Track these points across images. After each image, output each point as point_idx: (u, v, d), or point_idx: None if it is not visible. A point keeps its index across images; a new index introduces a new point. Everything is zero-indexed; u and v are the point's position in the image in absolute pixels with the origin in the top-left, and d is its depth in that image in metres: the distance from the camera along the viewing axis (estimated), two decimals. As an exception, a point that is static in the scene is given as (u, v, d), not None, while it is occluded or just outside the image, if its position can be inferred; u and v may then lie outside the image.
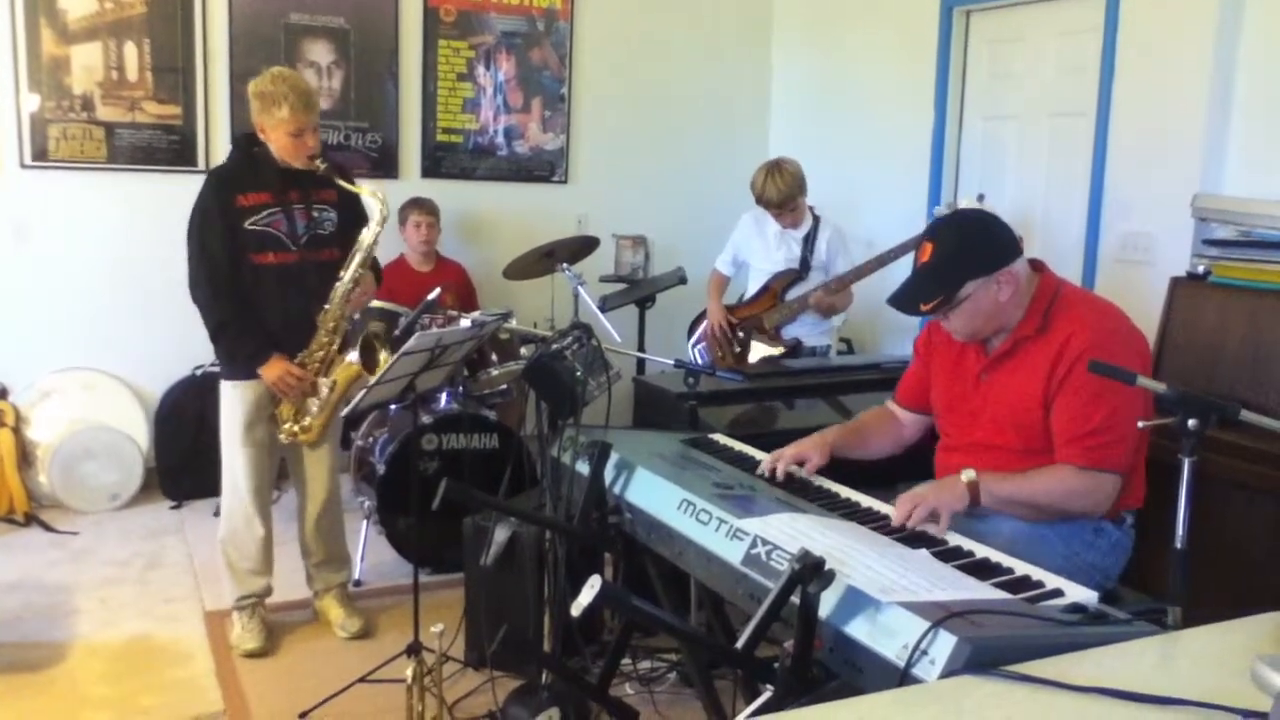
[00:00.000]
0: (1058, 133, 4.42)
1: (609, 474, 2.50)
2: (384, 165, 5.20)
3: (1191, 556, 1.82)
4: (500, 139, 5.47)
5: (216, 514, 4.34)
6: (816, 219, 4.32)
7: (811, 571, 1.64)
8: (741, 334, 4.38)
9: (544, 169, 5.59)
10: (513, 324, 3.96)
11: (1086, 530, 2.35)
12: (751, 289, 4.44)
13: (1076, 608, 1.75)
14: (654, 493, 2.35)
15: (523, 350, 4.19)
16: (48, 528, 4.41)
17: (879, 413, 2.77)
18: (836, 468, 2.55)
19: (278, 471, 3.57)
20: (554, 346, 2.64)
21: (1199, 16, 3.71)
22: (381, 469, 3.89)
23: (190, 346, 4.39)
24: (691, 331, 4.75)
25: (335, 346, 3.30)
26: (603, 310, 4.50)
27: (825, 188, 4.65)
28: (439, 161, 5.35)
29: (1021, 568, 1.95)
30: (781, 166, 4.17)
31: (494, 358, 4.18)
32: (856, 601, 1.68)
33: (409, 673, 2.71)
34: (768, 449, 2.59)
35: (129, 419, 4.80)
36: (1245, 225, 3.39)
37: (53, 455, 4.58)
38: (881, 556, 1.85)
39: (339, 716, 2.96)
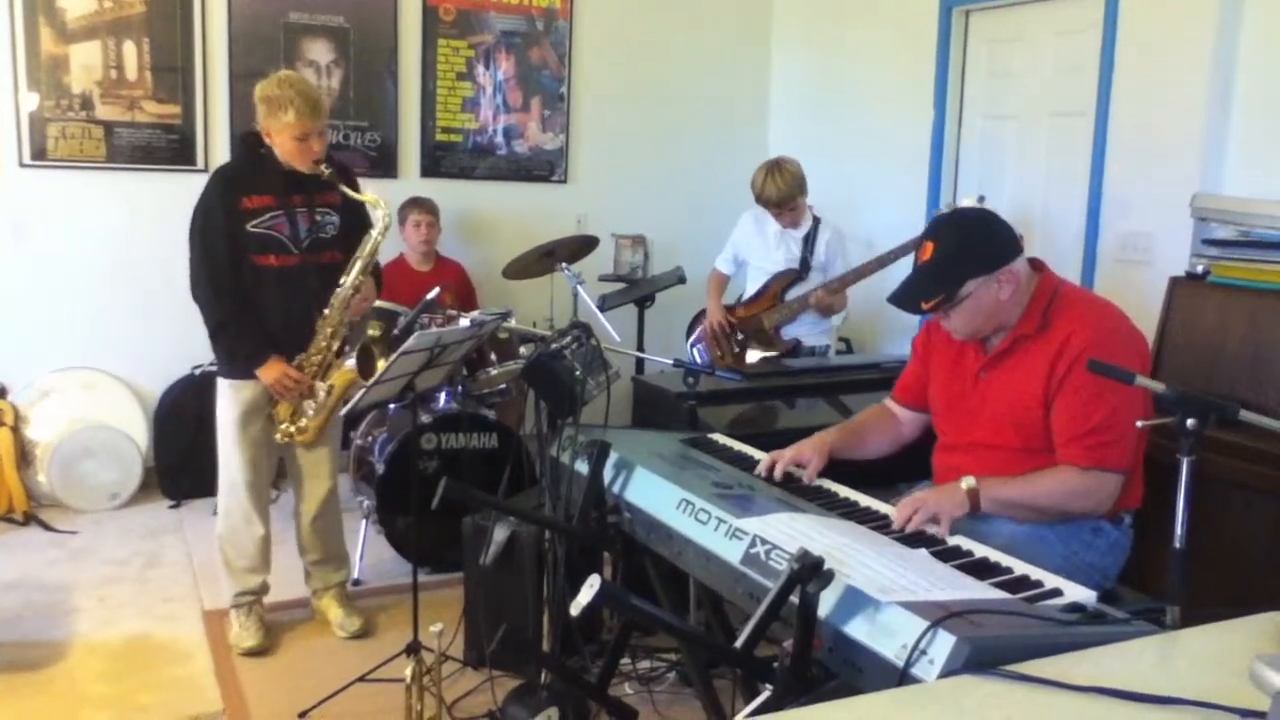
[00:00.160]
0: (1057, 132, 4.42)
1: (608, 473, 2.50)
2: (383, 164, 5.19)
3: (1190, 556, 1.82)
4: (499, 138, 5.47)
5: (215, 513, 4.35)
6: (816, 219, 4.32)
7: (810, 571, 1.64)
8: (740, 336, 4.38)
9: (543, 168, 5.59)
10: (512, 323, 3.96)
11: (1085, 530, 2.35)
12: (751, 289, 4.44)
13: (1075, 607, 1.75)
14: (653, 492, 2.35)
15: (522, 350, 4.18)
16: (47, 527, 4.41)
17: (877, 411, 2.77)
18: (835, 467, 2.55)
19: (277, 470, 3.57)
20: (553, 346, 2.64)
21: (1198, 15, 3.71)
22: (381, 468, 3.89)
23: (189, 346, 4.38)
24: (690, 331, 4.76)
25: (334, 351, 3.30)
26: (602, 309, 4.50)
27: (824, 187, 4.65)
28: (438, 161, 5.35)
29: (1020, 567, 1.95)
30: (782, 166, 4.17)
31: (493, 357, 4.18)
32: (856, 601, 1.68)
33: (408, 672, 2.71)
34: (767, 449, 2.59)
35: (128, 418, 4.80)
36: (1244, 225, 3.39)
37: (52, 454, 4.58)
38: (880, 556, 1.85)
39: (338, 716, 2.96)
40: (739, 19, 5.92)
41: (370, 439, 4.21)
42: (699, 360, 4.49)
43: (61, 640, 3.40)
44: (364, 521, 4.03)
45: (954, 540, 2.12)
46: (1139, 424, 2.12)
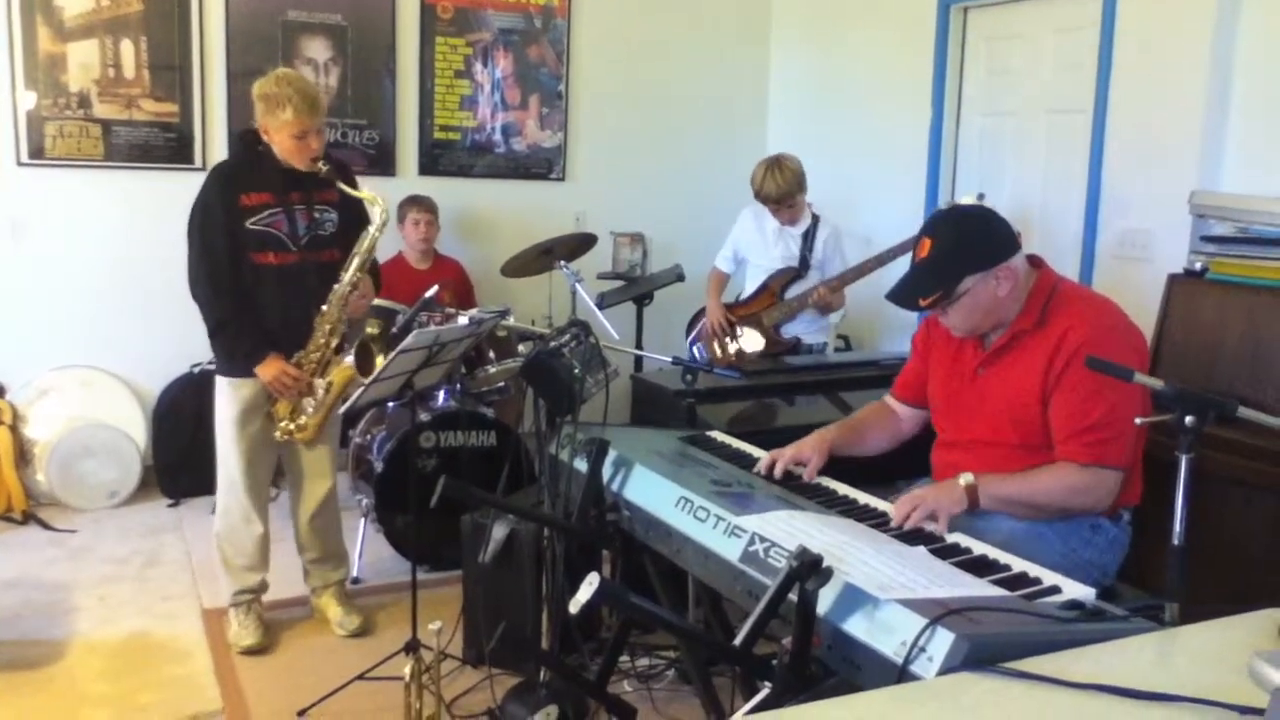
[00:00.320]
0: (1055, 129, 4.42)
1: (607, 471, 2.50)
2: (381, 162, 5.19)
3: (1189, 553, 1.82)
4: (498, 136, 5.46)
5: (214, 512, 4.34)
6: (815, 217, 4.32)
7: (809, 568, 1.64)
8: (740, 331, 4.38)
9: (542, 166, 5.59)
10: (510, 321, 3.96)
11: (1084, 527, 2.35)
12: (750, 287, 4.43)
13: (1074, 604, 1.75)
14: (652, 490, 2.35)
15: (520, 348, 4.18)
16: (46, 526, 4.41)
17: (877, 408, 2.77)
18: (835, 464, 2.55)
19: (275, 468, 3.57)
20: (552, 344, 2.64)
21: (1197, 13, 3.71)
22: (379, 466, 3.89)
23: (188, 344, 4.38)
24: (690, 329, 4.75)
25: (332, 348, 3.30)
26: (600, 307, 4.50)
27: (823, 185, 4.64)
28: (436, 159, 5.34)
29: (1019, 564, 1.95)
30: (782, 162, 4.17)
31: (492, 355, 4.18)
32: (854, 598, 1.68)
33: (407, 670, 2.71)
34: (766, 446, 2.59)
35: (127, 417, 4.80)
36: (1243, 222, 3.39)
37: (51, 453, 4.58)
38: (879, 554, 1.85)
39: (337, 714, 2.96)
40: (738, 17, 5.91)
41: (369, 437, 4.21)
42: (699, 359, 4.48)
43: (61, 639, 3.40)
44: (363, 520, 4.03)
45: (952, 537, 2.12)
46: (1138, 421, 2.13)
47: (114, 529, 4.40)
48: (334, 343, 3.30)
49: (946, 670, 1.47)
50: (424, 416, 3.87)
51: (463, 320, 3.59)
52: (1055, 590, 1.84)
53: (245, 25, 4.85)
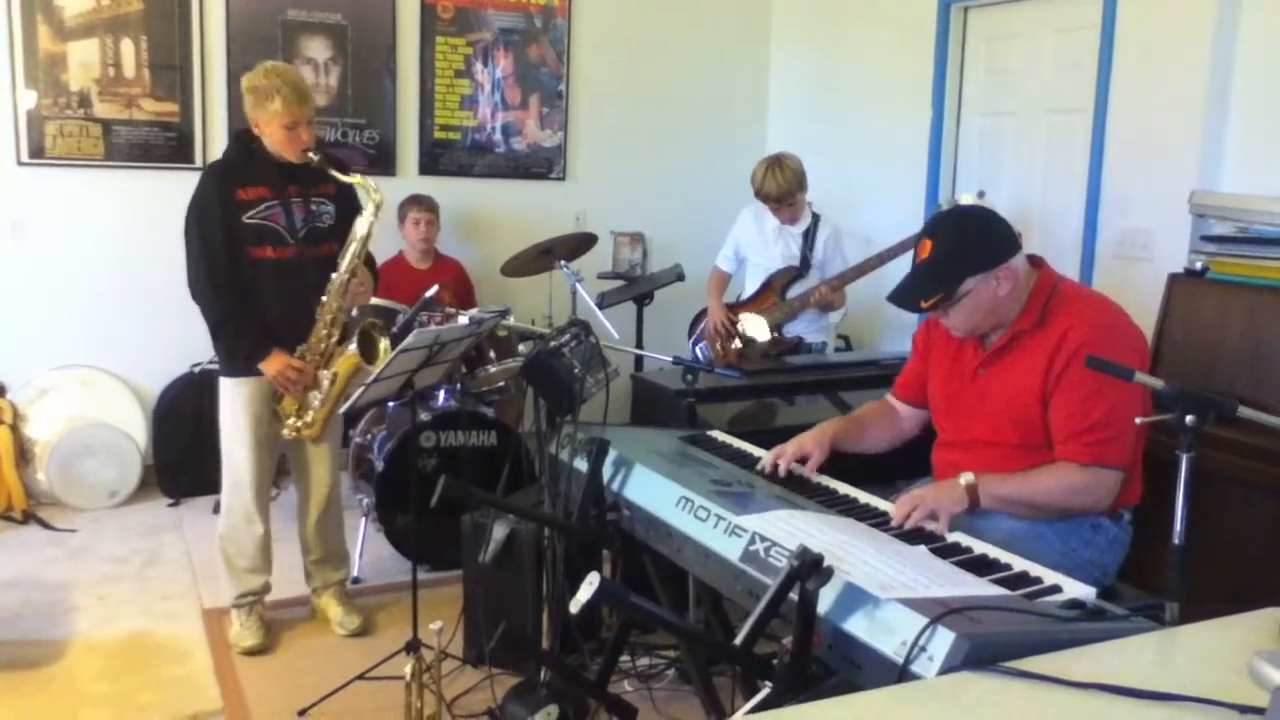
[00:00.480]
0: (1056, 129, 4.42)
1: (607, 471, 2.50)
2: (381, 162, 5.19)
3: (1189, 552, 1.82)
4: (498, 136, 5.46)
5: (215, 511, 4.34)
6: (816, 216, 4.32)
7: (810, 568, 1.64)
8: (742, 323, 4.37)
9: (542, 166, 5.59)
10: (511, 321, 3.96)
11: (1084, 527, 2.35)
12: (750, 287, 4.43)
13: (1075, 604, 1.75)
14: (652, 490, 2.35)
15: (521, 347, 4.18)
16: (46, 525, 4.41)
17: (878, 406, 2.77)
18: (835, 463, 2.55)
19: (276, 468, 3.57)
20: (552, 344, 2.64)
21: (1197, 13, 3.71)
22: (380, 466, 3.89)
23: (188, 344, 4.39)
24: (692, 330, 4.75)
25: (334, 339, 3.30)
26: (600, 307, 4.50)
27: (824, 185, 4.64)
28: (436, 158, 5.34)
29: (1019, 564, 1.95)
30: (783, 161, 4.17)
31: (492, 355, 4.18)
32: (855, 598, 1.68)
33: (408, 670, 2.71)
34: (766, 446, 2.59)
35: (127, 416, 4.80)
36: (1243, 221, 3.39)
37: (51, 452, 4.58)
38: (880, 553, 1.85)
39: (338, 714, 2.96)
40: (738, 16, 5.91)
41: (369, 437, 4.21)
42: (702, 359, 4.48)
43: (61, 639, 3.40)
44: (363, 519, 4.03)
45: (953, 537, 2.12)
46: (1138, 420, 2.12)
47: (114, 529, 4.40)
48: (335, 334, 3.29)
49: (947, 670, 1.47)
50: (424, 416, 3.88)
51: (463, 320, 3.59)
52: (1056, 590, 1.84)
53: (245, 25, 4.85)
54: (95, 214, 4.74)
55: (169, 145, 4.81)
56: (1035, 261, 2.44)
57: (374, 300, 3.92)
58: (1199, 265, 3.42)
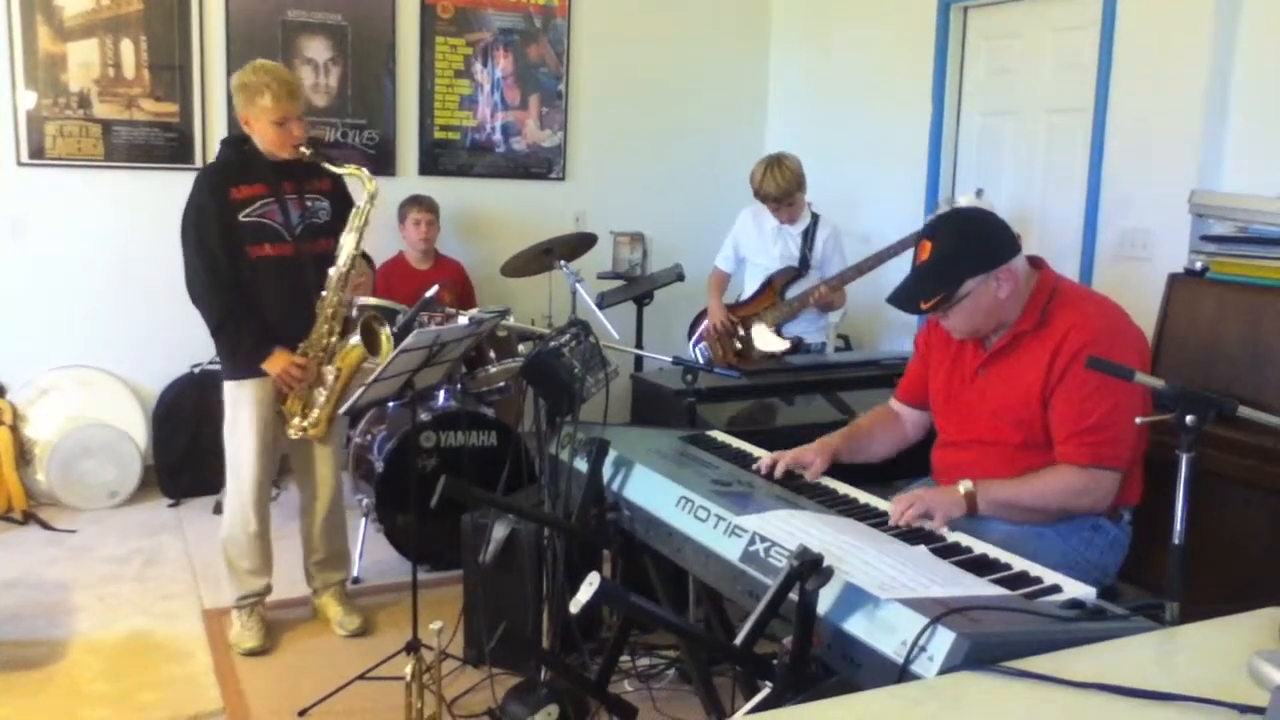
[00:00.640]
0: (1055, 129, 4.42)
1: (607, 471, 2.50)
2: (381, 162, 5.19)
3: (1189, 552, 1.82)
4: (498, 136, 5.46)
5: (215, 511, 4.35)
6: (815, 216, 4.32)
7: (810, 568, 1.64)
8: (742, 330, 4.38)
9: (541, 166, 5.59)
10: (511, 321, 3.96)
11: (1084, 527, 2.35)
12: (750, 287, 4.43)
13: (1075, 604, 1.75)
14: (652, 490, 2.35)
15: (521, 347, 4.18)
16: (46, 525, 4.41)
17: (880, 413, 2.75)
18: (835, 465, 2.54)
19: (277, 470, 3.56)
20: (552, 344, 2.64)
21: (1196, 13, 3.71)
22: (380, 466, 3.89)
23: (188, 344, 4.39)
24: (692, 331, 4.75)
25: (336, 335, 3.29)
26: (600, 307, 4.50)
27: (823, 184, 4.65)
28: (436, 158, 5.34)
29: (1019, 564, 1.95)
30: (782, 161, 4.17)
31: (492, 355, 4.18)
32: (855, 598, 1.68)
33: (408, 670, 2.71)
34: (766, 446, 2.59)
35: (127, 416, 4.80)
36: (1243, 221, 3.39)
37: (51, 453, 4.58)
38: (880, 553, 1.85)
39: (338, 714, 2.96)
40: (738, 16, 5.91)
41: (369, 437, 4.21)
42: (703, 360, 4.48)
43: (61, 639, 3.40)
44: (363, 520, 4.03)
45: (953, 537, 2.12)
46: (1138, 421, 2.12)
47: (114, 529, 4.40)
48: (337, 329, 3.28)
49: (947, 669, 1.47)
50: (424, 416, 3.88)
51: (463, 320, 3.59)
52: (1056, 589, 1.84)
53: (245, 25, 4.85)
54: (95, 214, 4.74)
55: (169, 146, 4.81)
56: (1035, 262, 2.44)
57: (374, 300, 3.93)
58: (1199, 265, 3.42)
